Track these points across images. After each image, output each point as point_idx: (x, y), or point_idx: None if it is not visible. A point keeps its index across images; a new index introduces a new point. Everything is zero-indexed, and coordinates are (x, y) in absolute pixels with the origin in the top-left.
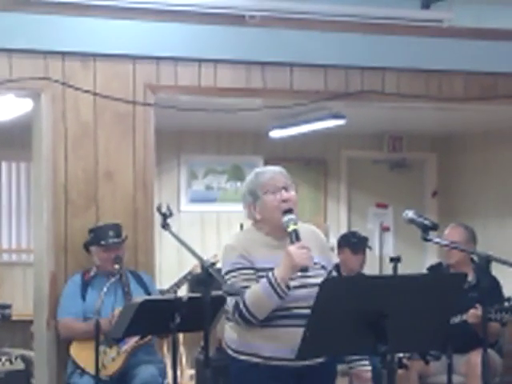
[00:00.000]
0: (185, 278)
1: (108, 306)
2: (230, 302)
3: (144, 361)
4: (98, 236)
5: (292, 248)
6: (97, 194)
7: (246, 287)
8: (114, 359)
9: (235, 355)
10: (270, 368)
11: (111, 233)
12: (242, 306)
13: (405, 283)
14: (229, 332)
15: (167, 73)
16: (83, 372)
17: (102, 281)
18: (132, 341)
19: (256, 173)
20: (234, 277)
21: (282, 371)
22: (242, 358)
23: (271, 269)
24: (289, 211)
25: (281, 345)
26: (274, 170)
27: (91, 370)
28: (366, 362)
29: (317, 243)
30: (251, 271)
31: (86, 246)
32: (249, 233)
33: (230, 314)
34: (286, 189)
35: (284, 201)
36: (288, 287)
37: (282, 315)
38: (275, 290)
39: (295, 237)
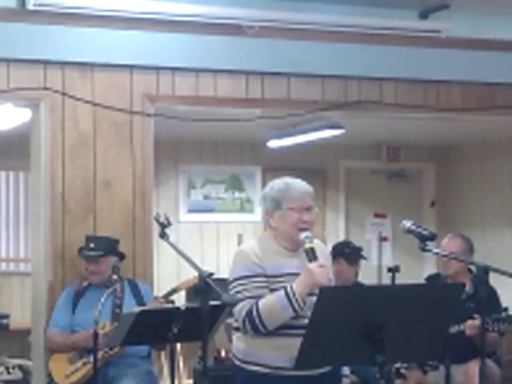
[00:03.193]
0: (169, 294)
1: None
2: (242, 308)
3: (127, 374)
4: (84, 245)
5: (313, 266)
6: (95, 203)
7: (255, 296)
8: (77, 369)
9: (242, 365)
10: (276, 378)
11: (92, 245)
12: (255, 314)
13: (403, 293)
14: (236, 342)
15: (166, 83)
16: (51, 381)
17: (95, 292)
18: (100, 353)
19: (287, 184)
20: (246, 284)
21: (287, 380)
22: (249, 367)
23: (282, 275)
24: (305, 230)
25: (288, 354)
26: (305, 188)
27: (58, 379)
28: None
29: (326, 258)
30: (263, 278)
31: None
32: (262, 240)
33: (237, 321)
34: (309, 210)
35: (303, 221)
36: (304, 303)
37: (290, 324)
38: (291, 304)
39: (312, 255)
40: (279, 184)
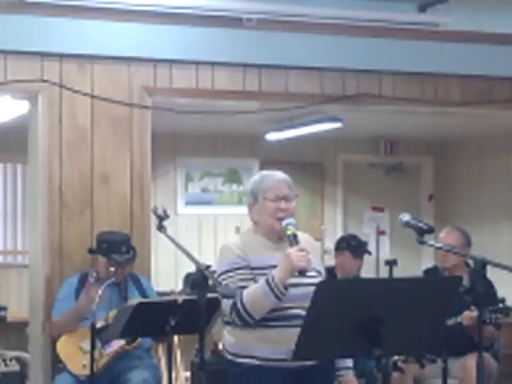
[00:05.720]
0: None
1: (103, 309)
2: (227, 302)
3: (136, 365)
4: (110, 249)
5: (291, 250)
6: (92, 197)
7: (243, 287)
8: (95, 360)
9: (232, 358)
10: (267, 370)
11: (123, 248)
12: (239, 304)
13: (400, 286)
14: (226, 336)
15: (164, 75)
16: (64, 367)
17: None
18: (117, 345)
19: (262, 176)
20: (231, 276)
21: (279, 372)
22: (240, 360)
23: (268, 267)
24: (283, 218)
25: (277, 346)
26: (280, 177)
27: (71, 367)
28: (351, 371)
29: (313, 251)
30: (248, 271)
31: (92, 251)
32: (246, 235)
33: (226, 315)
34: (286, 199)
35: (281, 210)
36: (286, 288)
37: (277, 316)
38: (272, 290)
39: (294, 240)
40: (255, 177)
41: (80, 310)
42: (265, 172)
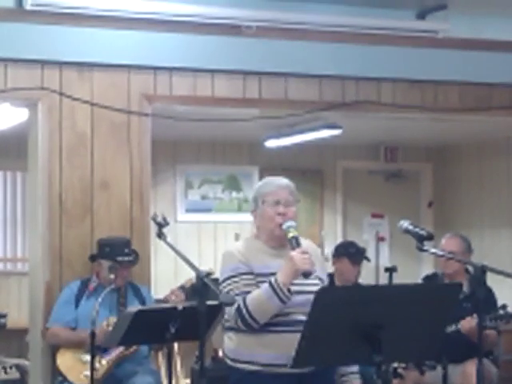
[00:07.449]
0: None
1: (102, 316)
2: (230, 308)
3: (138, 371)
4: (113, 252)
5: (294, 253)
6: (92, 204)
7: (247, 292)
8: (96, 369)
9: (233, 364)
10: (268, 375)
11: (126, 250)
12: (243, 309)
13: (400, 293)
14: (227, 342)
15: (163, 83)
16: (64, 380)
17: (102, 292)
18: (115, 352)
19: (264, 181)
20: (235, 282)
21: (280, 378)
22: (240, 366)
23: (269, 274)
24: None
25: (278, 351)
26: (280, 183)
27: (72, 378)
28: (357, 375)
29: (315, 257)
30: (251, 276)
31: (93, 258)
32: (248, 241)
33: (229, 320)
34: (285, 204)
35: (280, 214)
36: (290, 291)
37: (280, 321)
38: (277, 294)
39: (295, 242)
40: (258, 184)
41: (80, 342)
42: (268, 178)
